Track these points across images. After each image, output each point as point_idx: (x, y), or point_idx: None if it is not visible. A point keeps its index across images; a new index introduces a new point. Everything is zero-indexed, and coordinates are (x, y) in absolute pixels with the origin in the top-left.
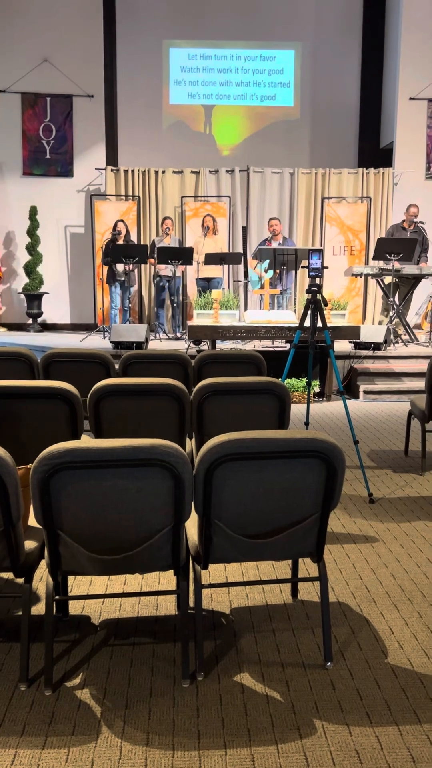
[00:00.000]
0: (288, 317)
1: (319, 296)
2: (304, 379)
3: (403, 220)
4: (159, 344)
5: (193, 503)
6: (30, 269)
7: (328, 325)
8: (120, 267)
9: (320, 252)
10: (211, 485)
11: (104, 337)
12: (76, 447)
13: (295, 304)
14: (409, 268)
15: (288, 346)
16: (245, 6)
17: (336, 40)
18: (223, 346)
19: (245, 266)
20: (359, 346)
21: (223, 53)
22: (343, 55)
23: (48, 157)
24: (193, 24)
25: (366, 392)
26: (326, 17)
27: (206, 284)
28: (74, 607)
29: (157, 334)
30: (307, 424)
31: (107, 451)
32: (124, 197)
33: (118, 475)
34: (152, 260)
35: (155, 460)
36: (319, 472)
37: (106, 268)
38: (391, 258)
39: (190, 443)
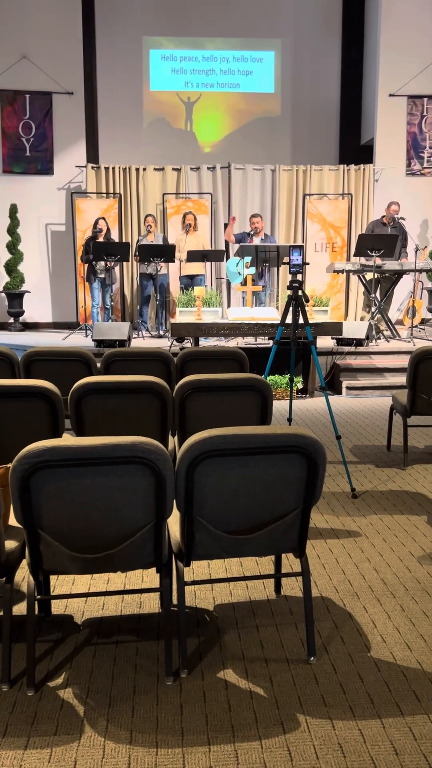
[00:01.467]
0: (270, 314)
1: (300, 292)
2: (287, 376)
3: (383, 216)
4: (142, 342)
5: (175, 500)
6: (11, 268)
7: (311, 321)
8: (101, 264)
9: (301, 248)
10: (192, 482)
11: (87, 336)
12: (55, 445)
13: (277, 300)
14: (390, 264)
15: (271, 342)
16: (225, 3)
17: (316, 38)
18: (207, 343)
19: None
20: (341, 342)
21: (204, 50)
22: (324, 53)
23: (28, 154)
24: (173, 20)
25: (349, 388)
26: (306, 14)
27: (189, 281)
28: (57, 607)
29: (140, 332)
30: (290, 420)
31: (87, 449)
32: (105, 195)
33: (99, 473)
34: (136, 258)
35: (136, 457)
36: (300, 468)
37: (86, 266)
38: (373, 254)
39: (173, 440)
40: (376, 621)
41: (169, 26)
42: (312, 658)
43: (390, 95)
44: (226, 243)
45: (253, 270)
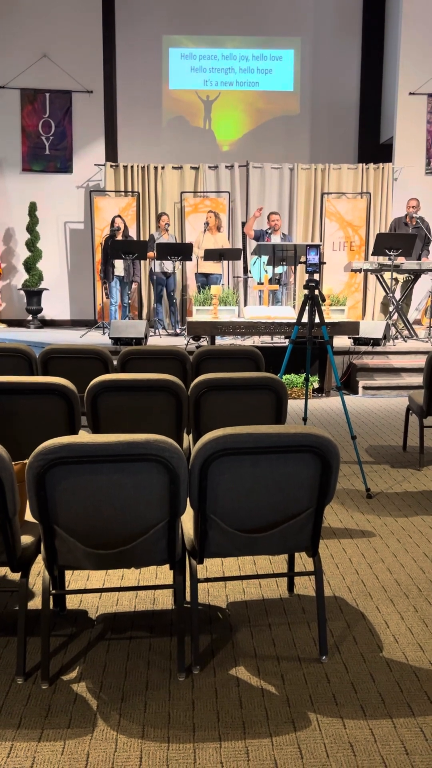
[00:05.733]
0: (287, 313)
1: (316, 291)
2: (303, 375)
3: (406, 215)
4: (158, 340)
5: (188, 498)
6: (30, 265)
7: (328, 320)
8: (119, 263)
9: (317, 247)
10: (206, 480)
11: (104, 334)
12: (71, 442)
13: (294, 299)
14: (409, 264)
15: (287, 342)
16: (245, 1)
17: (336, 36)
18: (223, 342)
19: (245, 262)
20: (358, 341)
21: (223, 48)
22: (343, 50)
23: (47, 153)
24: (192, 19)
25: (365, 388)
26: (326, 12)
27: (205, 280)
28: (72, 602)
29: (157, 330)
30: (305, 419)
31: (102, 446)
32: (123, 193)
33: (114, 470)
34: (152, 253)
35: (150, 455)
36: (314, 467)
37: (103, 264)
38: (391, 253)
39: (188, 438)
40: (388, 621)
41: (189, 25)
42: (324, 657)
43: (410, 93)
44: (243, 240)
45: (284, 269)
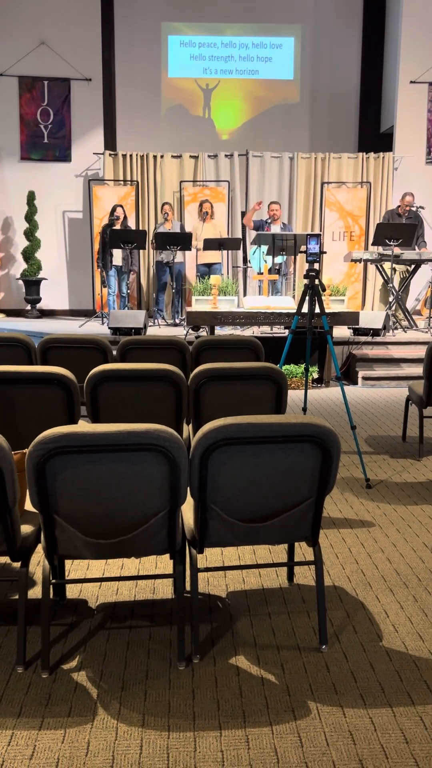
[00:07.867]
0: (286, 303)
1: (317, 281)
2: (303, 365)
3: (398, 206)
4: (158, 330)
5: (189, 488)
6: (28, 255)
7: (327, 310)
8: (118, 252)
9: (318, 237)
10: (206, 470)
11: (103, 323)
12: (71, 431)
13: (294, 289)
14: (409, 254)
15: (286, 332)
16: None
17: (336, 23)
18: (222, 332)
19: (244, 251)
20: (358, 332)
21: (222, 36)
22: (344, 39)
23: (46, 141)
24: (192, 6)
25: (365, 378)
26: (326, 0)
27: (206, 270)
28: (71, 591)
29: (156, 320)
30: (304, 409)
31: (102, 435)
32: (122, 182)
33: (114, 459)
34: (153, 245)
35: (150, 444)
36: (314, 457)
37: (101, 254)
38: (391, 243)
39: (188, 428)
40: (388, 611)
41: (188, 12)
42: (324, 647)
43: (411, 82)
44: (243, 230)
45: (283, 258)
